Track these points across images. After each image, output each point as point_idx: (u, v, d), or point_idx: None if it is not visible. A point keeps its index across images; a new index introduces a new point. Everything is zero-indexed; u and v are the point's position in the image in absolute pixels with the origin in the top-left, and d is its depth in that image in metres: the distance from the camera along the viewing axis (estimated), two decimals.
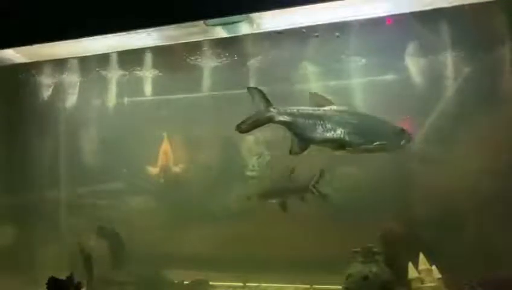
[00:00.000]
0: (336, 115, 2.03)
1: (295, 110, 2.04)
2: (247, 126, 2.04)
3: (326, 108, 2.05)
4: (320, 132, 2.01)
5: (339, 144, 2.00)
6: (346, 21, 2.06)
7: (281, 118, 2.03)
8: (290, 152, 2.03)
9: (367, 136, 2.01)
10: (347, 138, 1.99)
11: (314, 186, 2.41)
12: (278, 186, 2.55)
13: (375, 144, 1.99)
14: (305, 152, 2.03)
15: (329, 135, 2.01)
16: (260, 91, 2.06)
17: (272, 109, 2.03)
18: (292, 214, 2.52)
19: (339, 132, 2.00)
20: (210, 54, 2.64)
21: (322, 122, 2.01)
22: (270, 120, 2.03)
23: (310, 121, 2.02)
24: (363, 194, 2.43)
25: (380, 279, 2.00)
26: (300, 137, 2.01)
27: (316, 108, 2.04)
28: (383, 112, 2.18)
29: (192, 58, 2.66)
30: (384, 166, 2.36)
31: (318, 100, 2.07)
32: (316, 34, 2.28)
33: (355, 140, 1.99)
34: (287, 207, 2.46)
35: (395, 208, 2.39)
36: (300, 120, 2.02)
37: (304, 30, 2.18)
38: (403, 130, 2.03)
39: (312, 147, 2.03)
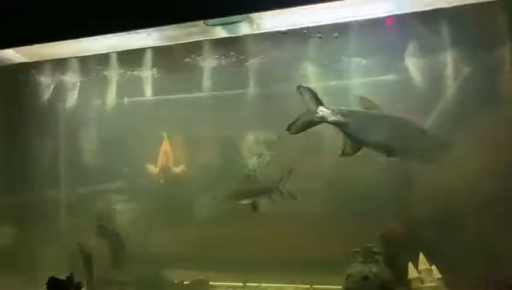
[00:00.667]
0: (386, 119, 2.03)
1: (348, 111, 2.03)
2: (299, 127, 2.03)
3: (376, 111, 2.04)
4: (373, 135, 2.00)
5: (388, 150, 2.01)
6: (346, 21, 2.06)
7: (334, 118, 2.01)
8: (342, 153, 2.01)
9: (412, 144, 2.02)
10: (396, 145, 1.99)
11: (283, 186, 2.45)
12: (247, 187, 2.56)
13: (418, 154, 2.00)
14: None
15: (381, 139, 2.01)
16: (311, 90, 2.05)
17: (324, 109, 2.02)
18: (292, 214, 2.52)
19: (390, 137, 2.00)
20: (210, 54, 2.65)
21: (374, 125, 2.01)
22: (323, 120, 2.02)
23: (363, 123, 2.01)
24: (363, 194, 2.43)
25: (380, 279, 1.99)
26: (353, 138, 2.00)
27: (369, 110, 2.03)
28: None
29: (192, 58, 2.66)
30: (384, 166, 2.37)
31: (367, 104, 2.06)
32: (319, 34, 2.28)
33: (402, 147, 2.00)
34: (257, 207, 2.48)
35: (395, 208, 2.38)
36: (353, 121, 2.01)
37: (305, 31, 2.18)
38: (440, 139, 2.03)
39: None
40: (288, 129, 2.02)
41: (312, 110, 2.03)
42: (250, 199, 2.50)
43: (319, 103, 2.03)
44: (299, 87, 2.07)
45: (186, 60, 2.65)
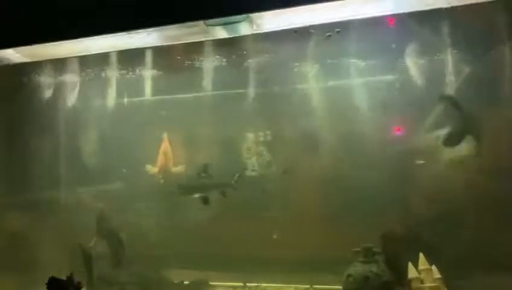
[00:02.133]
0: None
1: None
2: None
3: None
4: None
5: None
6: (346, 21, 2.06)
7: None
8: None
9: None
10: None
11: (236, 182, 2.52)
12: (199, 181, 2.61)
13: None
14: None
15: None
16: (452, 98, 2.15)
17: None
18: (292, 213, 2.52)
19: None
20: (211, 53, 2.65)
21: None
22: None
23: None
24: (364, 194, 2.43)
25: (380, 279, 2.00)
26: None
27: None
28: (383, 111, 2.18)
29: (192, 58, 2.66)
30: (384, 166, 2.37)
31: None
32: (329, 33, 2.28)
33: None
34: (208, 201, 2.57)
35: (395, 208, 2.38)
36: None
37: (313, 30, 2.18)
38: None
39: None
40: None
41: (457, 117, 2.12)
42: (203, 193, 2.58)
43: (460, 110, 2.12)
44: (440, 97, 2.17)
45: (187, 59, 2.66)
